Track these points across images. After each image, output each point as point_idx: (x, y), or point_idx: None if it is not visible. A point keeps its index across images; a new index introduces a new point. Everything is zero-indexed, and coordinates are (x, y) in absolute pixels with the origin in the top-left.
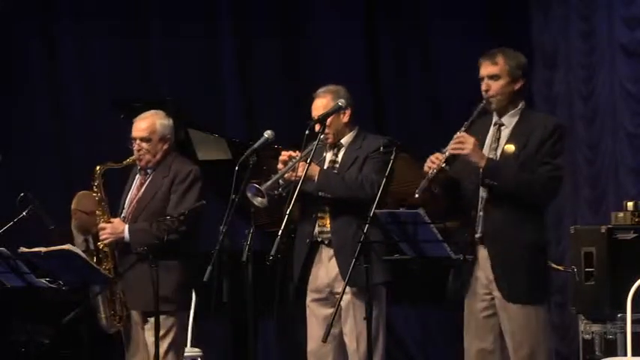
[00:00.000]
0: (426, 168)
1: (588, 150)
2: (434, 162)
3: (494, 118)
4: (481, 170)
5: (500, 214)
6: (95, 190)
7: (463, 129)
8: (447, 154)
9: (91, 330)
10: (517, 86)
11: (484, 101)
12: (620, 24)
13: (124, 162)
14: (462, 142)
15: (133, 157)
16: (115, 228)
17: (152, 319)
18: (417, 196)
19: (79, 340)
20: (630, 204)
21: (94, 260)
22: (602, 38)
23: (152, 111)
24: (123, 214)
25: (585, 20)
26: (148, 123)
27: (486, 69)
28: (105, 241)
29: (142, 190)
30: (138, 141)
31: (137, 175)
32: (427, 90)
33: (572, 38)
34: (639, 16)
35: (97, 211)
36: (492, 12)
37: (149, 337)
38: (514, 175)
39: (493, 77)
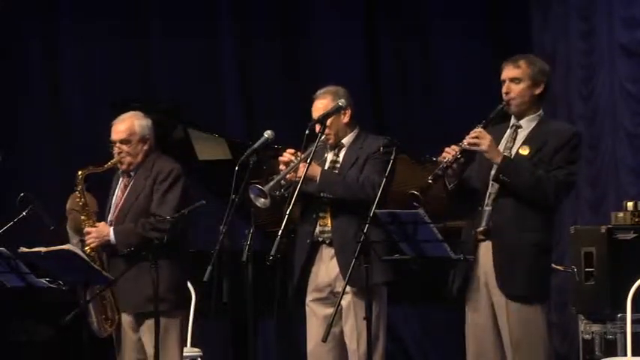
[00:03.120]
0: (440, 157)
1: (588, 150)
2: (449, 152)
3: (512, 121)
4: (497, 166)
5: (508, 210)
6: (78, 195)
7: (480, 126)
8: (462, 146)
9: (90, 331)
10: (538, 91)
11: (503, 103)
12: (620, 24)
13: (106, 165)
14: (479, 138)
15: (114, 159)
16: (100, 232)
17: (148, 321)
18: (430, 181)
19: (79, 340)
20: (630, 204)
21: None
22: (602, 38)
23: (130, 112)
24: (109, 218)
25: (585, 20)
26: (126, 125)
27: (508, 72)
28: (91, 245)
29: (126, 192)
30: (118, 144)
31: (120, 179)
32: (427, 90)
33: (572, 38)
34: (639, 16)
35: (82, 217)
36: (492, 12)
37: (145, 338)
38: (529, 174)
39: (514, 80)
